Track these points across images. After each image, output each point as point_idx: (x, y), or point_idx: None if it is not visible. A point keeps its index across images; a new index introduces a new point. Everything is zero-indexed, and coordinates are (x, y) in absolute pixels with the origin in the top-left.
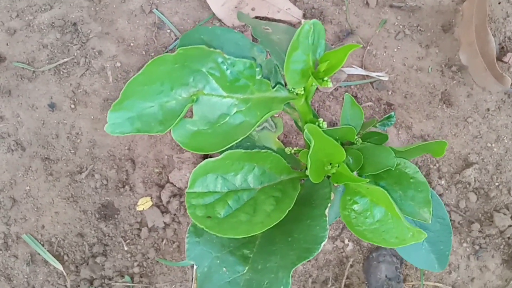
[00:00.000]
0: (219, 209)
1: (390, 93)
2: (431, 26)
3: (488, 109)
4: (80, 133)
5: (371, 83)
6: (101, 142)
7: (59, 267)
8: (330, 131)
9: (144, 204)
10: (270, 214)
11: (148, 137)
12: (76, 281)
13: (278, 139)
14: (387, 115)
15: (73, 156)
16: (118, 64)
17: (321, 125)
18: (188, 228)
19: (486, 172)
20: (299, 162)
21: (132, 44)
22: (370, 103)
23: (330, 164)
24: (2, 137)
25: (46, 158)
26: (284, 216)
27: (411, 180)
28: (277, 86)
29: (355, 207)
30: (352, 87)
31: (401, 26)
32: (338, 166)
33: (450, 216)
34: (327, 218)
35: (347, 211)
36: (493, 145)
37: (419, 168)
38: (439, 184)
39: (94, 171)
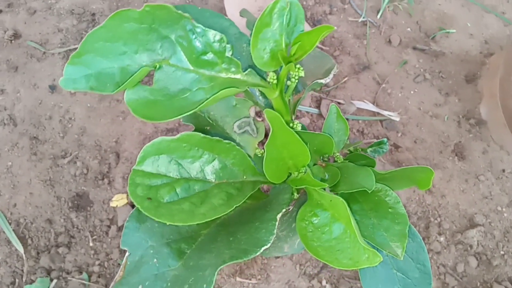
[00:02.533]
0: (164, 193)
1: (399, 134)
2: (453, 74)
3: (504, 170)
4: (73, 118)
5: (381, 121)
6: (91, 130)
7: (21, 249)
8: (305, 135)
9: (119, 200)
10: (216, 208)
11: (138, 133)
12: (34, 268)
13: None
14: (379, 141)
15: (61, 140)
16: None
17: (295, 126)
18: (131, 212)
19: (491, 237)
20: None
21: None
22: (375, 141)
23: (297, 171)
24: None
25: (35, 137)
26: (230, 210)
27: (390, 209)
28: (249, 70)
29: (314, 220)
30: (360, 121)
31: (421, 70)
32: (305, 172)
33: (444, 279)
34: (277, 223)
35: (305, 223)
36: (503, 209)
37: (417, 218)
38: (437, 240)
39: (77, 158)
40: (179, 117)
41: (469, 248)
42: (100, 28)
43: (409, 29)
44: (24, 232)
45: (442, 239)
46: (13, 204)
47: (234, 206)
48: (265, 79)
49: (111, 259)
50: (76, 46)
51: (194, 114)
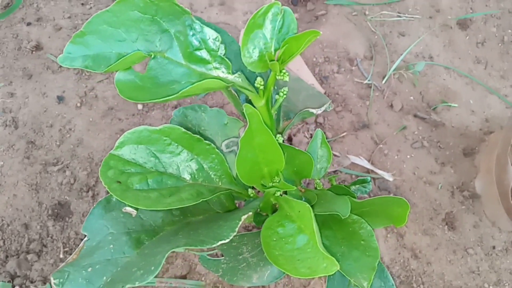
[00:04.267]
0: (134, 181)
1: (391, 195)
2: (452, 146)
3: (494, 247)
4: (72, 129)
5: (374, 179)
6: (87, 143)
7: None
8: (286, 149)
9: None
10: (183, 201)
11: None
12: None
13: None
14: (362, 178)
15: (56, 148)
16: None
17: (278, 139)
18: (99, 200)
19: None
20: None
21: None
22: (366, 196)
23: (271, 180)
24: (4, 111)
25: (32, 142)
26: (196, 203)
27: (362, 241)
28: (238, 73)
29: (280, 230)
30: (353, 176)
31: (420, 137)
32: (279, 181)
33: None
34: (240, 222)
35: (270, 231)
36: (491, 287)
37: (399, 282)
38: None
39: (67, 167)
40: (161, 100)
41: None
42: (106, 11)
43: (412, 97)
44: None
45: None
46: None
47: (201, 200)
48: (253, 86)
49: None
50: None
51: (185, 125)
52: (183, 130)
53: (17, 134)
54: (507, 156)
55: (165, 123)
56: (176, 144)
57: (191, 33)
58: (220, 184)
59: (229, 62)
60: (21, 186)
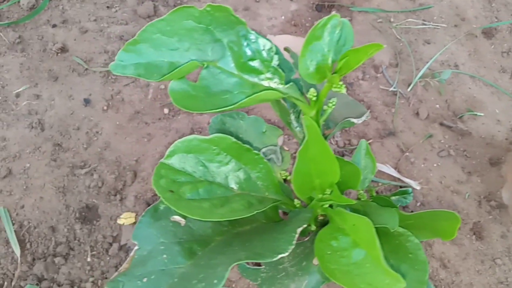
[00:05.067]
0: (186, 190)
1: (418, 204)
2: (478, 155)
3: None
4: (100, 132)
5: (401, 187)
6: (114, 146)
7: (17, 252)
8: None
9: (127, 219)
10: (236, 211)
11: (160, 156)
12: (26, 274)
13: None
14: (404, 189)
15: (83, 151)
16: (162, 87)
17: None
18: (147, 208)
19: None
20: (290, 193)
21: None
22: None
23: (322, 192)
24: (30, 113)
25: (58, 144)
26: (250, 215)
27: (410, 255)
28: (291, 83)
29: (333, 243)
30: (380, 184)
31: (446, 145)
32: (330, 193)
33: None
34: (296, 236)
35: (324, 245)
36: None
37: None
38: None
39: (95, 170)
40: (217, 110)
41: None
42: (160, 20)
43: (437, 105)
44: (25, 236)
45: None
46: (21, 205)
47: (255, 212)
48: (304, 96)
49: (106, 278)
50: None
51: (223, 131)
52: (233, 140)
53: (44, 136)
54: None
55: (192, 127)
56: (225, 154)
57: (245, 43)
58: (266, 194)
59: (283, 73)
60: (48, 189)
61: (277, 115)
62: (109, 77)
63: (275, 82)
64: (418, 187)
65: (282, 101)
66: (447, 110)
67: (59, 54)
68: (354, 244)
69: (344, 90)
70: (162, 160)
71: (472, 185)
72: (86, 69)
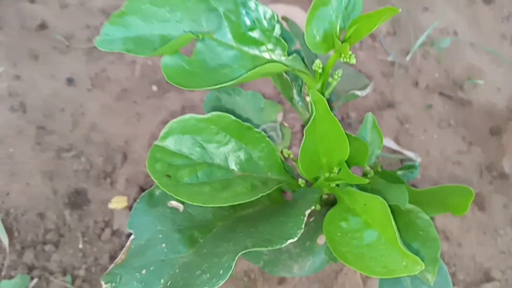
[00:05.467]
0: (184, 174)
1: (418, 177)
2: (478, 125)
3: None
4: (85, 113)
5: (401, 160)
6: (101, 127)
7: (5, 241)
8: None
9: (119, 203)
10: (239, 195)
11: (151, 137)
12: (15, 263)
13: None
14: (410, 164)
15: (69, 133)
16: (150, 63)
17: None
18: (141, 195)
19: None
20: (293, 171)
21: None
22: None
23: (329, 171)
24: (10, 95)
25: (42, 127)
26: (255, 198)
27: (420, 232)
28: (294, 55)
29: (343, 224)
30: (379, 158)
31: (446, 116)
32: (338, 172)
33: None
34: (305, 218)
35: (333, 226)
36: None
37: None
38: None
39: (82, 153)
40: (215, 87)
41: None
42: None
43: (437, 75)
44: (13, 224)
45: None
46: (6, 192)
47: (260, 195)
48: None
49: (100, 264)
50: None
51: (219, 109)
52: (233, 118)
53: (26, 119)
54: None
55: (183, 105)
56: (224, 133)
57: (243, 12)
58: (269, 174)
59: (285, 43)
60: (34, 174)
61: (277, 90)
62: (93, 54)
63: (277, 54)
64: (418, 159)
65: (285, 74)
66: (446, 79)
67: (38, 31)
68: (366, 224)
69: (354, 61)
70: (156, 142)
71: (473, 156)
72: (68, 46)
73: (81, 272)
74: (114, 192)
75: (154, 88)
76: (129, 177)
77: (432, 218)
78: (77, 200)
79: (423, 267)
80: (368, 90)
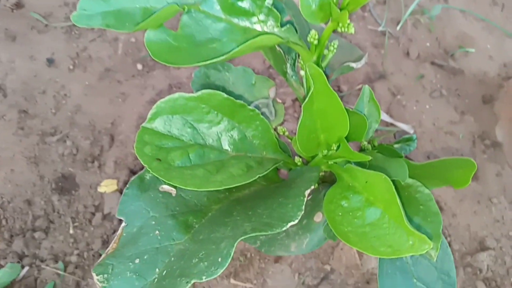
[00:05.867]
0: (175, 157)
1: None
2: (470, 94)
3: None
4: (68, 95)
5: (394, 133)
6: (86, 109)
7: None
8: None
9: (108, 186)
10: (235, 177)
11: (138, 117)
12: (5, 252)
13: (276, 130)
14: (407, 137)
15: (52, 116)
16: (133, 40)
17: None
18: (131, 179)
19: (502, 263)
20: (288, 149)
21: None
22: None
23: (328, 148)
24: None
25: (24, 111)
26: (251, 180)
27: (421, 207)
28: (288, 26)
29: (344, 203)
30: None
31: (438, 85)
32: (337, 149)
33: None
34: (305, 199)
35: (333, 206)
36: None
37: None
38: None
39: (67, 137)
40: (205, 63)
41: (478, 272)
42: None
43: (428, 44)
44: None
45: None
46: None
47: (257, 176)
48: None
49: (92, 249)
50: None
51: (208, 86)
52: (225, 96)
53: (7, 103)
54: None
55: (170, 83)
56: (215, 112)
57: None
58: (264, 153)
59: (278, 14)
60: (19, 160)
61: (267, 64)
62: (73, 33)
63: (269, 26)
64: (411, 131)
65: (278, 47)
66: (438, 48)
67: (14, 10)
68: (368, 202)
69: (352, 30)
70: (144, 124)
71: (465, 125)
72: (46, 25)
73: (73, 258)
74: (103, 175)
75: (139, 66)
76: (118, 159)
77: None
78: (65, 185)
79: (431, 246)
80: (363, 62)
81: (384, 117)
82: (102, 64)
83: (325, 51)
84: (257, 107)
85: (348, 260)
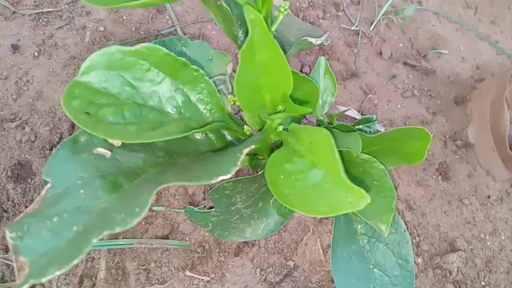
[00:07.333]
0: (107, 113)
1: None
2: (443, 95)
3: (489, 197)
4: (30, 81)
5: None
6: (48, 95)
7: None
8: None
9: None
10: (170, 133)
11: None
12: None
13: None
14: (367, 117)
15: (13, 103)
16: (101, 29)
17: None
18: (63, 141)
19: (473, 265)
20: (240, 121)
21: (125, 17)
22: None
23: (274, 110)
24: None
25: None
26: (187, 134)
27: (375, 182)
28: None
29: (287, 166)
30: None
31: (410, 85)
32: (283, 111)
33: None
34: (242, 156)
35: (276, 169)
36: (487, 237)
37: None
38: (415, 261)
39: (26, 123)
40: (129, 4)
41: (448, 274)
42: None
43: (401, 44)
44: None
45: (420, 260)
46: None
47: (192, 131)
48: None
49: None
50: (49, 9)
51: None
52: (165, 51)
53: None
54: (503, 102)
55: None
56: (156, 71)
57: None
58: (210, 120)
59: None
60: None
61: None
62: (40, 20)
63: None
64: (382, 129)
65: (224, 4)
66: (410, 48)
67: None
68: (311, 164)
69: None
70: (76, 78)
71: (437, 125)
72: (14, 12)
73: None
74: (59, 146)
75: None
76: None
77: (395, 187)
78: (21, 173)
79: (369, 201)
80: (323, 39)
81: (355, 114)
82: (67, 52)
83: (276, 13)
84: (215, 83)
85: (312, 256)
